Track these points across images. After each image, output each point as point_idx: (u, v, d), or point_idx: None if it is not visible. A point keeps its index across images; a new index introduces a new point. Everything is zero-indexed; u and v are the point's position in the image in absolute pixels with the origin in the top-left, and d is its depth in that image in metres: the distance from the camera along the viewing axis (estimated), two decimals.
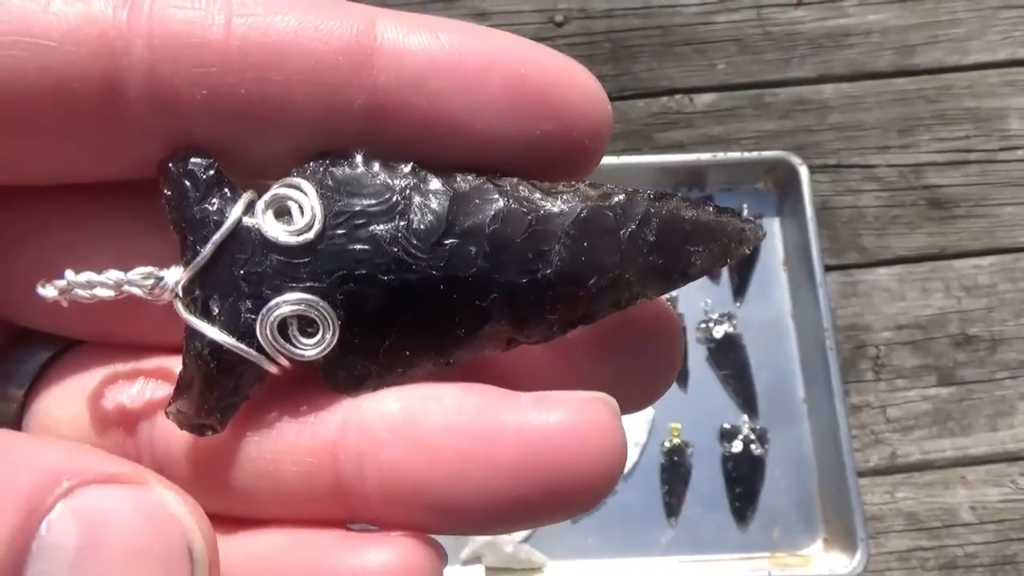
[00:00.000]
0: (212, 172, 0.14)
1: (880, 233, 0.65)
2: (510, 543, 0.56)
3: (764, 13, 0.71)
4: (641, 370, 0.16)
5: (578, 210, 0.15)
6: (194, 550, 0.10)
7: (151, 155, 0.14)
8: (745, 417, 0.60)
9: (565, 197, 0.15)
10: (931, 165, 0.67)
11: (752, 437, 0.59)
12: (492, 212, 0.14)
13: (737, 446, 0.59)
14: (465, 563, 0.57)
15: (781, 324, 0.63)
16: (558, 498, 0.13)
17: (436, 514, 0.14)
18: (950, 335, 0.63)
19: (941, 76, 0.70)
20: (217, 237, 0.14)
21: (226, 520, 0.14)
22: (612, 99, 0.63)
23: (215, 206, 0.14)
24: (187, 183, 0.14)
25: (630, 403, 0.15)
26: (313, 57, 0.13)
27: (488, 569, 0.57)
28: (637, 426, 0.59)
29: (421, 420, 0.14)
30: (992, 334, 0.63)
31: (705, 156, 0.64)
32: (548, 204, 0.15)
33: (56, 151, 0.13)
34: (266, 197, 0.14)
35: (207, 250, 0.14)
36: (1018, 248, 0.65)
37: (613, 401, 0.14)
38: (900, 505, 0.59)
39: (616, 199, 0.15)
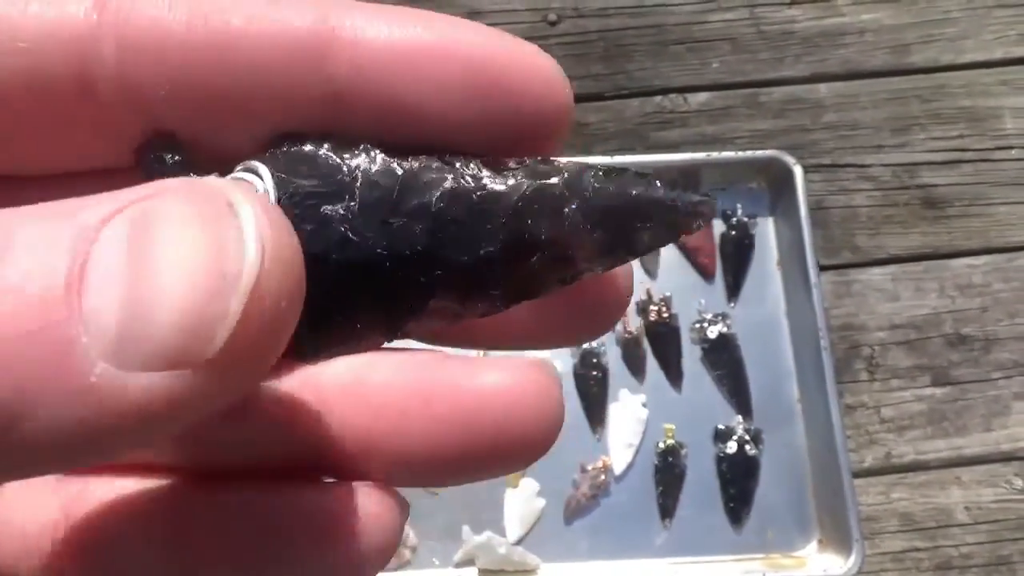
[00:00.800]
0: (178, 158, 0.14)
1: (874, 233, 0.65)
2: (504, 545, 0.56)
3: (758, 12, 0.71)
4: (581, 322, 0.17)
5: (523, 187, 0.15)
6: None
7: (129, 146, 0.14)
8: (739, 418, 0.60)
9: (514, 174, 0.15)
10: (925, 164, 0.67)
11: (746, 438, 0.59)
12: (439, 191, 0.15)
13: (731, 447, 0.58)
14: (458, 565, 0.57)
15: (775, 324, 0.62)
16: (496, 452, 0.14)
17: (384, 464, 0.14)
18: (944, 335, 0.63)
19: (935, 75, 0.69)
20: None
21: None
22: (605, 98, 0.63)
23: None
24: (156, 167, 0.14)
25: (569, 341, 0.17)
26: (270, 49, 0.13)
27: (481, 571, 0.57)
28: (630, 427, 0.59)
29: (366, 379, 0.14)
30: (986, 334, 0.63)
31: (698, 155, 0.63)
32: (496, 182, 0.15)
33: (41, 144, 0.14)
34: (226, 179, 0.14)
35: None
36: (1012, 248, 0.65)
37: (551, 365, 0.15)
38: (895, 506, 0.59)
39: (562, 176, 0.15)
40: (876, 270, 0.64)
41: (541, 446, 0.14)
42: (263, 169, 0.14)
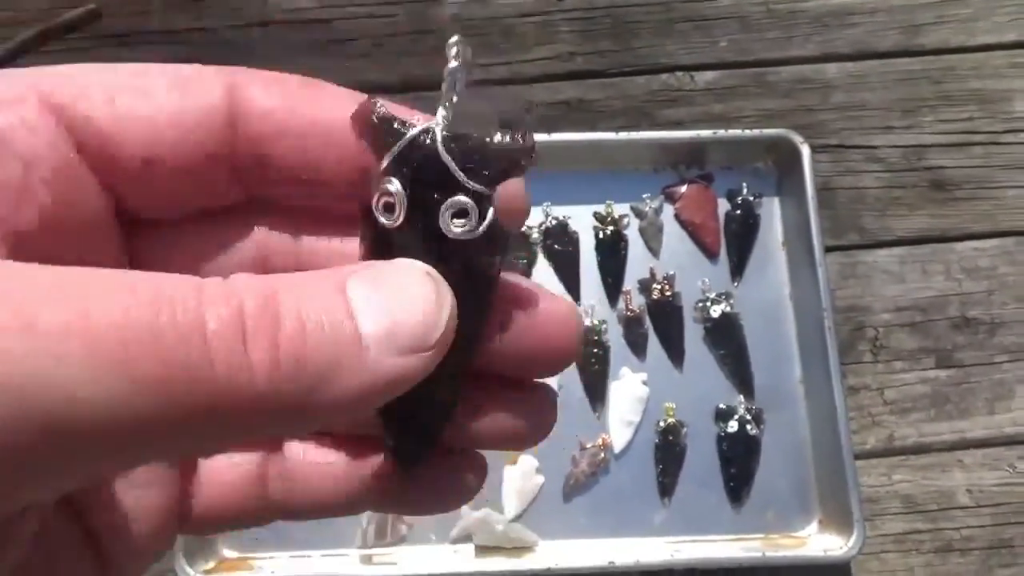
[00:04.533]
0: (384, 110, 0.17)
1: (881, 214, 0.64)
2: (501, 522, 0.56)
3: None
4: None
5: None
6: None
7: (234, 197, 0.18)
8: (741, 398, 0.59)
9: None
10: (934, 147, 0.66)
11: (748, 418, 0.58)
12: None
13: (732, 426, 0.58)
14: (455, 541, 0.57)
15: (779, 305, 0.62)
16: (545, 356, 0.19)
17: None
18: (950, 318, 0.62)
19: (946, 57, 0.69)
20: (413, 133, 0.16)
21: None
22: (611, 75, 0.63)
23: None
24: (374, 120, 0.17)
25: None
26: (180, 127, 0.16)
27: (478, 548, 0.56)
28: (631, 405, 0.59)
29: None
30: (992, 317, 0.62)
31: (704, 133, 0.63)
32: None
33: (184, 195, 0.18)
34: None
35: (411, 133, 0.16)
36: (1020, 231, 0.64)
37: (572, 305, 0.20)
38: (896, 487, 0.59)
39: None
40: (882, 252, 0.64)
41: (572, 354, 0.18)
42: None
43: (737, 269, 0.63)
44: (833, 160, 0.66)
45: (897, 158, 0.66)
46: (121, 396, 0.12)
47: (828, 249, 0.64)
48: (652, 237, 0.63)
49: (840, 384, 0.57)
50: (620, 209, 0.64)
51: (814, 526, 0.57)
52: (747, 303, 0.62)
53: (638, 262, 0.63)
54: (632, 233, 0.63)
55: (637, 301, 0.61)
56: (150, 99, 0.16)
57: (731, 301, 0.61)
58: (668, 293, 0.61)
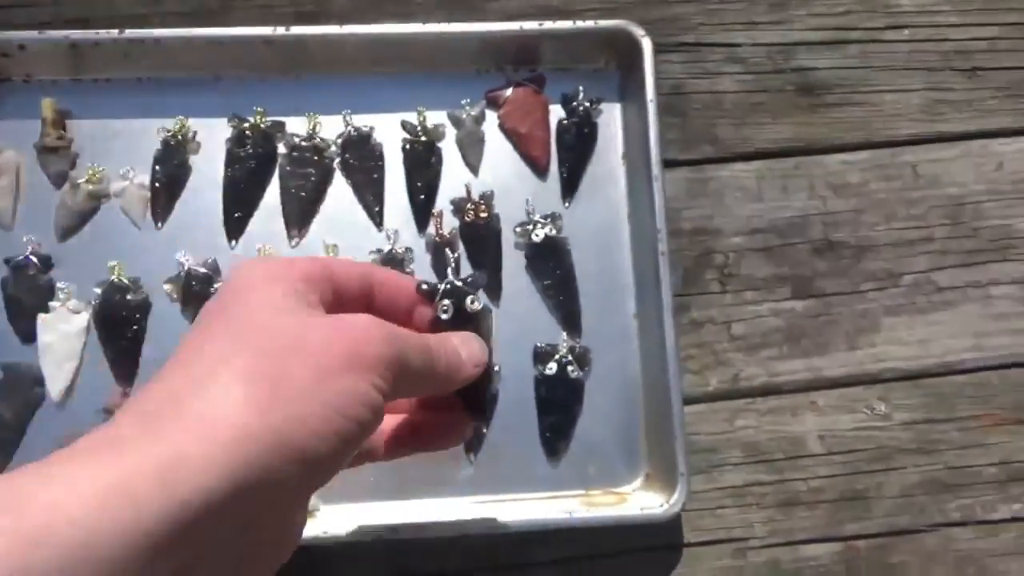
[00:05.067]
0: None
1: (739, 123, 0.56)
2: None
3: None
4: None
5: None
6: None
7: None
8: (564, 335, 0.51)
9: None
10: (804, 44, 0.57)
11: (569, 358, 0.50)
12: None
13: (551, 368, 0.50)
14: None
15: (615, 229, 0.53)
16: None
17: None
18: (811, 241, 0.54)
19: None
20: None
21: None
22: None
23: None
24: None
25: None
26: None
27: None
28: None
29: None
30: (859, 240, 0.54)
31: (529, 25, 0.53)
32: None
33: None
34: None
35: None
36: (896, 142, 0.56)
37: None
38: (739, 435, 0.51)
39: None
40: (739, 166, 0.55)
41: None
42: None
43: (568, 187, 0.54)
44: (688, 60, 0.57)
45: (761, 58, 0.57)
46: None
47: (677, 163, 0.55)
48: (471, 150, 0.54)
49: (671, 318, 0.49)
50: (435, 117, 0.54)
51: (639, 481, 0.50)
52: (579, 227, 0.53)
53: (454, 179, 0.54)
54: (448, 145, 0.54)
55: (451, 224, 0.53)
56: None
57: (559, 224, 0.52)
58: (485, 214, 0.52)
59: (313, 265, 0.29)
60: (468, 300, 0.33)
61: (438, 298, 0.32)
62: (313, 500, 0.48)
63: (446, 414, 0.34)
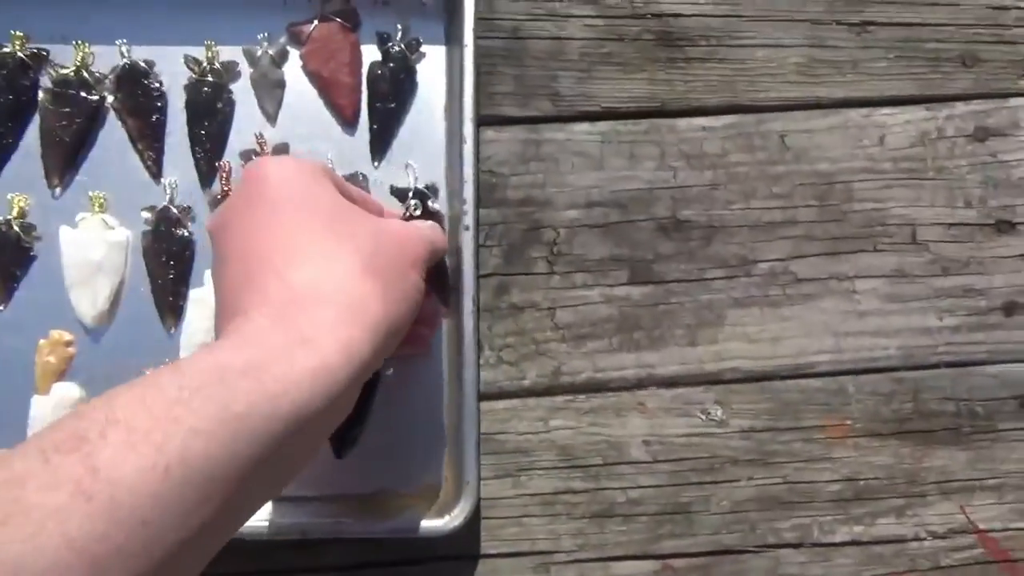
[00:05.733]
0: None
1: (585, 76, 0.48)
2: None
3: None
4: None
5: None
6: None
7: None
8: None
9: None
10: None
11: None
12: None
13: None
14: None
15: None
16: None
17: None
18: (656, 218, 0.47)
19: None
20: None
21: None
22: None
23: None
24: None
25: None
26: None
27: None
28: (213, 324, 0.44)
29: None
30: (710, 219, 0.47)
31: None
32: None
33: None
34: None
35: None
36: (764, 107, 0.48)
37: None
38: (554, 435, 0.45)
39: None
40: (580, 127, 0.48)
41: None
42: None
43: (378, 144, 0.46)
44: (532, 0, 0.48)
45: (617, 0, 0.49)
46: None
47: (510, 121, 0.48)
48: (267, 94, 0.46)
49: (470, 303, 0.42)
50: (228, 53, 0.46)
51: (434, 484, 0.44)
52: (388, 191, 0.46)
53: (245, 127, 0.46)
54: (242, 86, 0.46)
55: (238, 179, 0.45)
56: None
57: (363, 186, 0.45)
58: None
59: (327, 168, 0.37)
60: (429, 201, 0.45)
61: (410, 197, 0.44)
62: None
63: (424, 302, 0.38)
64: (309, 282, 0.31)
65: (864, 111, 0.48)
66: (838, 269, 0.47)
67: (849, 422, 0.46)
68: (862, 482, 0.46)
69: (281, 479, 0.30)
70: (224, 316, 0.32)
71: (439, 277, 0.43)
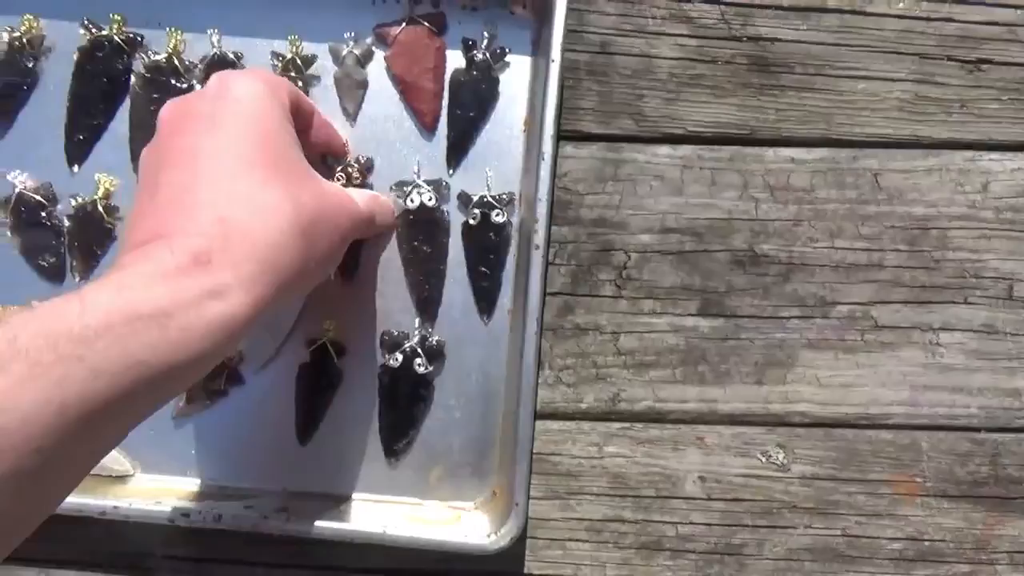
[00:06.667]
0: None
1: (672, 97, 0.46)
2: None
3: None
4: None
5: None
6: None
7: None
8: (417, 322, 0.44)
9: None
10: (770, 8, 0.47)
11: (418, 351, 0.44)
12: None
13: (398, 359, 0.44)
14: None
15: None
16: None
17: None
18: (732, 250, 0.46)
19: None
20: None
21: None
22: None
23: None
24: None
25: None
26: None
27: None
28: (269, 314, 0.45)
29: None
30: (791, 255, 0.45)
31: None
32: None
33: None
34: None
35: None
36: (860, 142, 0.46)
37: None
38: (608, 462, 0.45)
39: None
40: (662, 149, 0.46)
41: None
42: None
43: (455, 152, 0.46)
44: (623, 13, 0.47)
45: (713, 19, 0.47)
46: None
47: (590, 138, 0.46)
48: (348, 93, 0.46)
49: (534, 322, 0.42)
50: (313, 49, 0.46)
51: (483, 499, 0.44)
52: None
53: (336, 129, 0.46)
54: (325, 84, 0.47)
55: None
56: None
57: (443, 193, 0.45)
58: (357, 178, 0.45)
59: (292, 89, 0.38)
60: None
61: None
62: (128, 465, 0.44)
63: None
64: (242, 224, 0.31)
65: (969, 154, 0.46)
66: (923, 319, 0.45)
67: (919, 479, 0.44)
68: (927, 543, 0.44)
69: (153, 411, 0.31)
70: (147, 224, 0.32)
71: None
